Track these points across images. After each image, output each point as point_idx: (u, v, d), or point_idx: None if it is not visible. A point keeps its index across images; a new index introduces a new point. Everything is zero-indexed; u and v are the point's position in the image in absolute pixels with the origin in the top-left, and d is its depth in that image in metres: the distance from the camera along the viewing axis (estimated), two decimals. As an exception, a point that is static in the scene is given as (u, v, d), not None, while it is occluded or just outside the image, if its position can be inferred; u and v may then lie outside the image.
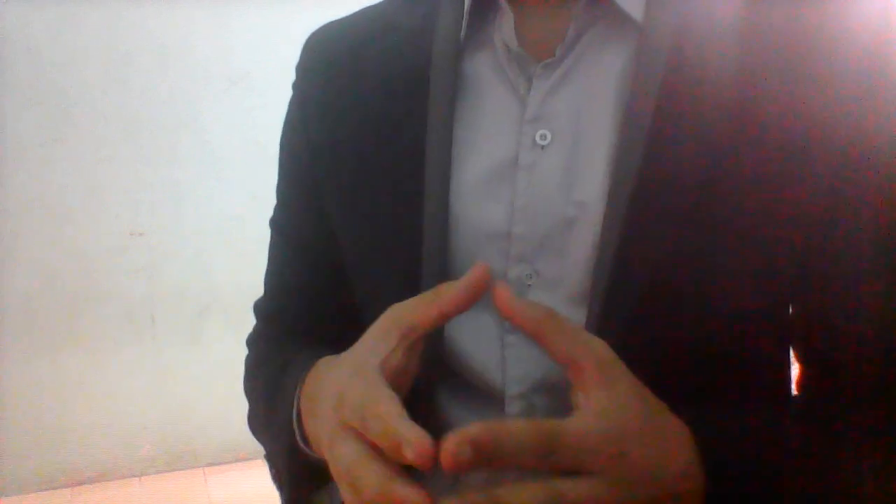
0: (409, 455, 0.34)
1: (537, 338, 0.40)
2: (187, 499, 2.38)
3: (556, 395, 0.51)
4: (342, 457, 0.39)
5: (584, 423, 0.38)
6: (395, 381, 0.41)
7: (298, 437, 0.52)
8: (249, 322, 0.69)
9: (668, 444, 0.40)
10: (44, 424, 2.41)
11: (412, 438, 0.35)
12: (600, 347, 0.40)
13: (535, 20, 0.52)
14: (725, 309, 0.48)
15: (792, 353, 0.55)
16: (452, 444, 0.33)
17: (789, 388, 0.55)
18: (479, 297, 0.41)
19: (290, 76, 0.63)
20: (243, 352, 0.68)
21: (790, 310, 0.53)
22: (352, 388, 0.40)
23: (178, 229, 2.48)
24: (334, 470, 0.41)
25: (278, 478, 0.59)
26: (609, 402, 0.38)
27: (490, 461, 0.34)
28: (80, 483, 2.45)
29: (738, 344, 0.50)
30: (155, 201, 2.44)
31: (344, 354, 0.45)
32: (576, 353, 0.39)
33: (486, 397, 0.53)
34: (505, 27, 0.51)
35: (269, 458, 0.60)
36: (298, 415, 0.52)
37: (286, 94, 0.63)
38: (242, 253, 2.44)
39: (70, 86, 2.32)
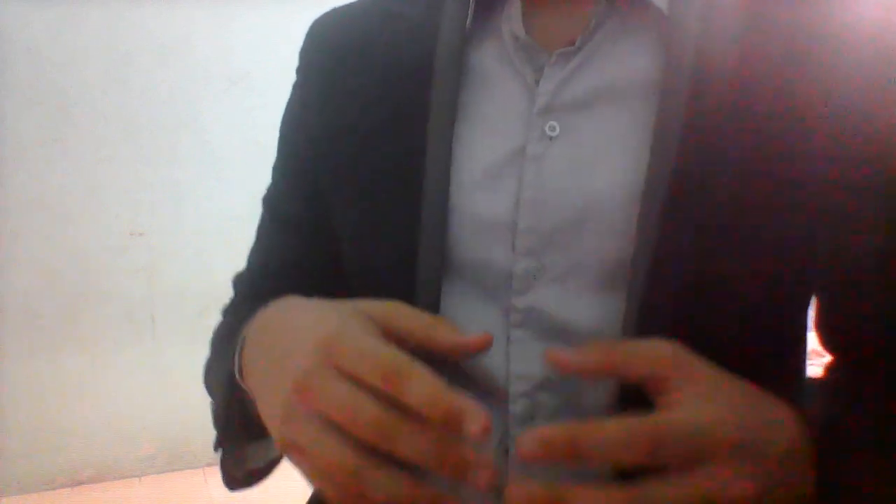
0: (473, 428, 0.33)
1: (613, 375, 0.40)
2: (187, 499, 2.38)
3: (561, 394, 0.50)
4: (332, 393, 0.37)
5: (691, 411, 0.36)
6: None
7: (237, 370, 0.50)
8: (249, 322, 0.68)
9: (769, 421, 0.38)
10: (44, 424, 2.40)
11: (475, 412, 0.33)
12: (670, 349, 0.39)
13: (544, 9, 0.52)
14: (763, 297, 0.47)
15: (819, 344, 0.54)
16: (524, 440, 0.33)
17: (804, 378, 0.55)
18: (467, 358, 0.42)
19: (290, 76, 0.63)
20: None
21: (815, 302, 0.52)
22: (347, 334, 0.39)
23: (178, 229, 2.47)
24: (312, 406, 0.38)
25: (216, 421, 0.58)
26: (706, 391, 0.37)
27: (577, 459, 0.33)
28: (80, 483, 2.45)
29: (768, 330, 0.49)
30: (155, 201, 2.44)
31: (318, 300, 0.45)
32: (653, 368, 0.39)
33: (489, 395, 0.52)
34: (513, 16, 0.51)
35: (213, 406, 0.59)
36: (242, 348, 0.51)
37: (286, 94, 0.63)
38: (242, 253, 2.41)
39: (70, 86, 2.31)
